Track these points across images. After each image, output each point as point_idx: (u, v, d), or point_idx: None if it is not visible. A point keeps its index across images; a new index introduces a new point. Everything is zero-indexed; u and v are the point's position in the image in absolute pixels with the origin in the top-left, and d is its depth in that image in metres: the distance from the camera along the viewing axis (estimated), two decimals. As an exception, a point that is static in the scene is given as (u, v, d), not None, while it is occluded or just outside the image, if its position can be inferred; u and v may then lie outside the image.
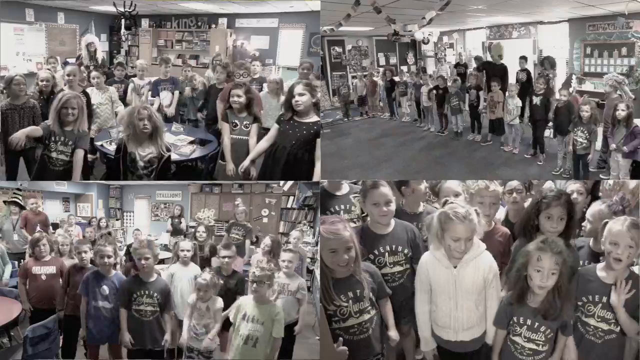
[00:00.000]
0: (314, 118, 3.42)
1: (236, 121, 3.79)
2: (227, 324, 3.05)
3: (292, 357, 3.36)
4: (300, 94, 3.34)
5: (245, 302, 2.82)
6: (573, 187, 3.26)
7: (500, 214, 3.16)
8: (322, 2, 6.00)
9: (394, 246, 2.62)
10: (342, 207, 2.95)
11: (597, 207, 2.74)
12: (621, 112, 4.16)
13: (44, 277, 3.63)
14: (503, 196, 3.13)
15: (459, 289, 2.33)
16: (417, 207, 2.91)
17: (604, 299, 2.32)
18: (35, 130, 3.38)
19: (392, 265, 2.63)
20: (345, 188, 3.00)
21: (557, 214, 2.48)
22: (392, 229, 2.64)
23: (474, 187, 2.75)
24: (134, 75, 5.68)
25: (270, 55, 8.36)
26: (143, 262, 3.15)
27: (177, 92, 5.36)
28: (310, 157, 3.45)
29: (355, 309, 2.39)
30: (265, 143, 3.49)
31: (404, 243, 2.63)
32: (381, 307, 2.53)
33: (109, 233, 5.29)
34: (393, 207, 2.60)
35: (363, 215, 2.99)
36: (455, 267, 2.34)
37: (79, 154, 3.45)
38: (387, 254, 2.62)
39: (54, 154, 3.40)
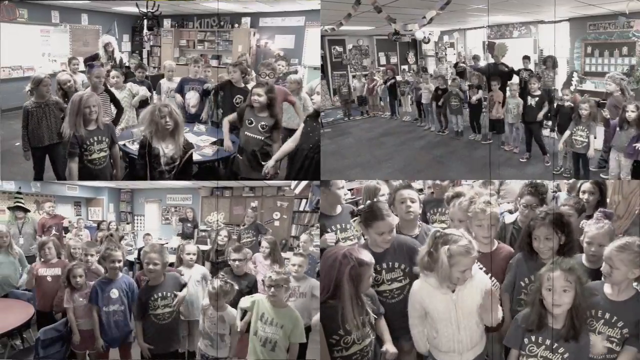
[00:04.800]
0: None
1: (252, 119, 3.80)
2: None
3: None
4: (318, 93, 3.42)
5: (263, 303, 2.80)
6: (585, 186, 3.34)
7: (511, 218, 3.18)
8: (322, 2, 6.00)
9: (390, 263, 2.63)
10: (339, 226, 3.00)
11: (588, 228, 2.77)
12: (631, 114, 4.08)
13: (49, 279, 3.69)
14: (517, 202, 3.15)
15: (459, 312, 2.35)
16: (414, 229, 2.92)
17: (607, 315, 2.34)
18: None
19: (389, 282, 2.66)
20: (338, 209, 3.09)
21: (542, 234, 2.54)
22: (388, 246, 2.66)
23: (471, 211, 2.78)
24: (161, 76, 5.72)
25: (296, 54, 8.32)
26: (151, 267, 3.16)
27: (209, 95, 5.33)
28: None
29: (358, 335, 2.41)
30: (291, 143, 3.53)
31: (401, 258, 2.64)
32: (376, 327, 2.54)
33: (111, 235, 5.31)
34: (394, 232, 2.64)
35: (359, 234, 3.03)
36: (453, 291, 2.34)
37: (116, 148, 3.58)
38: (383, 271, 2.64)
39: (95, 155, 3.49)
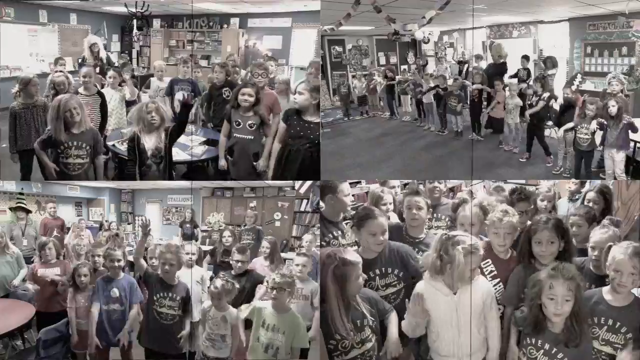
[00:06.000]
0: (317, 118, 3.48)
1: (239, 120, 3.82)
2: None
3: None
4: (300, 93, 3.42)
5: (264, 309, 2.78)
6: (589, 195, 3.37)
7: None
8: (322, 2, 6.00)
9: (383, 269, 2.64)
10: (340, 232, 2.99)
11: (592, 234, 2.78)
12: (612, 109, 4.18)
13: (49, 280, 3.68)
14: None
15: (460, 315, 2.35)
16: (420, 233, 2.93)
17: (610, 322, 2.34)
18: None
19: (384, 288, 2.66)
20: (340, 215, 3.10)
21: (545, 238, 2.53)
22: (381, 249, 2.65)
23: (488, 219, 2.78)
24: (151, 75, 5.71)
25: (283, 55, 8.40)
26: (167, 267, 3.16)
27: (198, 97, 5.35)
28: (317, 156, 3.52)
29: (356, 339, 2.39)
30: (278, 144, 3.58)
31: (394, 264, 2.64)
32: (387, 323, 2.52)
33: (117, 234, 5.32)
34: (387, 235, 2.63)
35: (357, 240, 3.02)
36: (455, 293, 2.35)
37: (101, 159, 3.55)
38: (377, 277, 2.63)
39: (70, 160, 3.47)
